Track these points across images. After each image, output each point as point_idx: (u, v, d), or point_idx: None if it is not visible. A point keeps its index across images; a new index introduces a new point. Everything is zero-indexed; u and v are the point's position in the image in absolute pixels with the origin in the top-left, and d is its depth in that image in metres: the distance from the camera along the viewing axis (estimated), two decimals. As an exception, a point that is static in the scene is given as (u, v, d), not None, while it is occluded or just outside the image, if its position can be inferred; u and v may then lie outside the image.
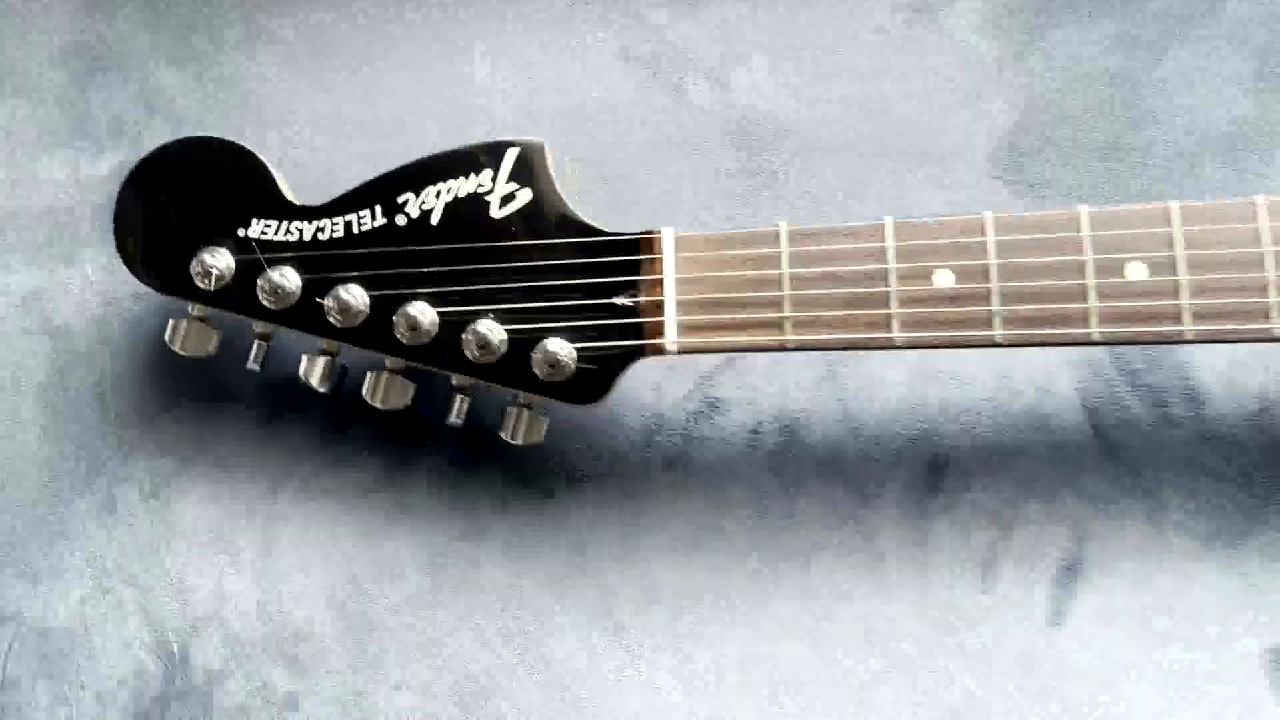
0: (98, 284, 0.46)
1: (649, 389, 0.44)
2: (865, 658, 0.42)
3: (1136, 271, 0.38)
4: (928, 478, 0.43)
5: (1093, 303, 0.38)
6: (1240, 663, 0.41)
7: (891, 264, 0.38)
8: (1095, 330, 0.38)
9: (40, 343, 0.45)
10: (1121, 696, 0.41)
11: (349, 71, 0.47)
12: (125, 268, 0.40)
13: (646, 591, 0.43)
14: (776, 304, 0.39)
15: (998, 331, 0.38)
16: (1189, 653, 0.41)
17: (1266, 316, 0.37)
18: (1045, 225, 0.38)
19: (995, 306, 0.38)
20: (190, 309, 0.41)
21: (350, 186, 0.40)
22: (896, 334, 0.38)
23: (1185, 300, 0.37)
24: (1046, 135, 0.45)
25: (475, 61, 0.47)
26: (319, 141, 0.46)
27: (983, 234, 0.38)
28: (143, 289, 0.41)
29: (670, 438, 0.44)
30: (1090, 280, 0.38)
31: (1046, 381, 0.43)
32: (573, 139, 0.45)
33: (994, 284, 0.38)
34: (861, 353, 0.44)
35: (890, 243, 0.39)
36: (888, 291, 0.38)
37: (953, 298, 0.38)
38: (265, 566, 0.43)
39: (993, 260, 0.38)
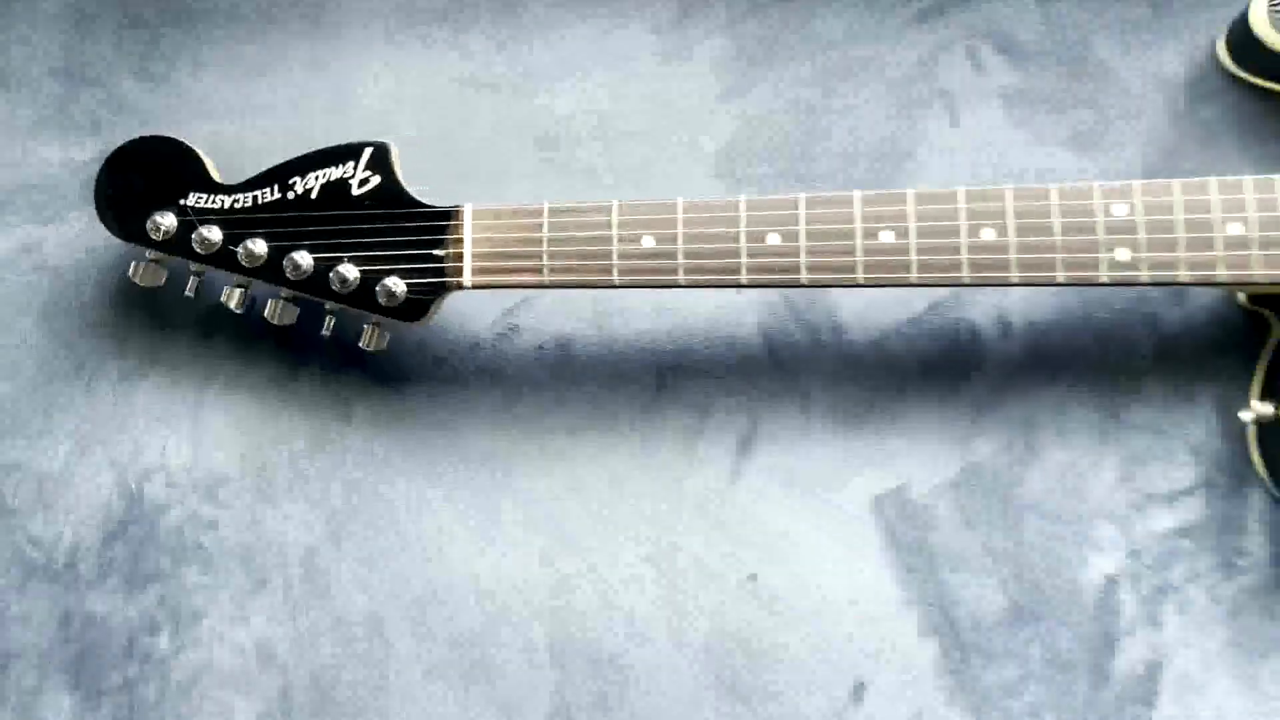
0: (81, 237, 0.64)
1: (468, 318, 0.63)
2: (612, 502, 0.61)
3: (773, 239, 0.57)
4: (657, 379, 0.62)
5: (743, 259, 0.57)
6: (857, 506, 0.60)
7: (614, 231, 0.57)
8: (744, 278, 0.57)
9: (40, 278, 0.64)
10: (777, 530, 0.60)
11: (267, 88, 0.66)
12: (102, 224, 0.59)
13: (462, 454, 0.62)
14: (538, 257, 0.57)
15: (680, 277, 0.57)
16: (822, 498, 0.60)
17: (854, 271, 0.57)
18: (715, 208, 0.57)
19: (679, 260, 0.57)
20: (146, 254, 0.60)
21: (258, 172, 0.59)
22: (615, 278, 0.57)
23: (803, 259, 0.57)
24: (752, 146, 0.64)
25: (352, 83, 0.66)
26: (242, 137, 0.65)
27: (675, 213, 0.57)
28: (113, 240, 0.59)
29: (481, 352, 0.63)
30: (742, 244, 0.57)
31: (738, 316, 0.62)
32: (413, 137, 0.64)
33: (680, 245, 0.57)
34: (620, 291, 0.63)
35: (615, 217, 0.57)
36: (610, 249, 0.57)
37: (654, 254, 0.57)
38: (197, 435, 0.62)
39: (680, 230, 0.57)
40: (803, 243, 0.57)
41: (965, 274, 0.57)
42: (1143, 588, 0.59)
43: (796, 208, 0.58)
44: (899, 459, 0.61)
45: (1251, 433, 0.59)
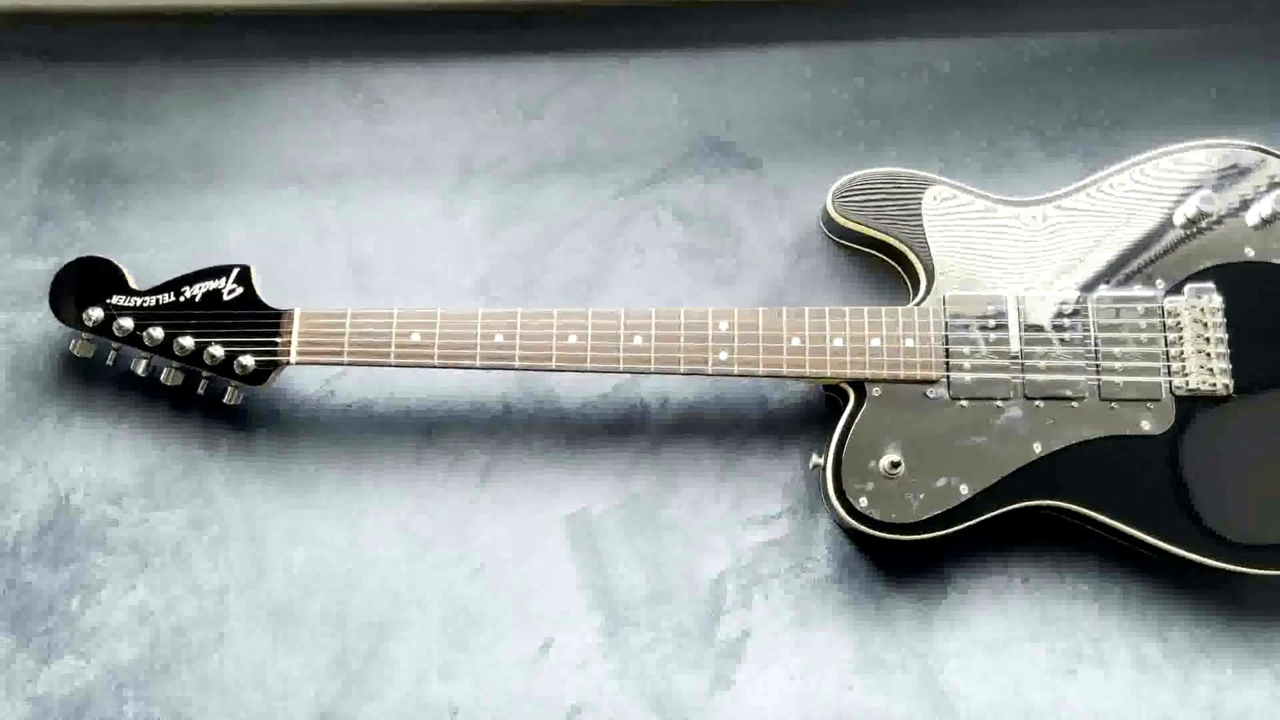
0: (41, 323, 0.93)
1: (300, 383, 0.92)
2: (387, 514, 0.89)
3: (499, 337, 0.86)
4: (425, 433, 0.90)
5: (478, 350, 0.86)
6: (555, 522, 0.88)
7: (393, 329, 0.86)
8: (478, 363, 0.86)
9: (11, 348, 0.92)
10: (500, 534, 0.88)
11: (169, 228, 0.95)
12: (53, 314, 0.88)
13: (287, 480, 0.90)
14: (341, 344, 0.86)
15: (435, 361, 0.86)
16: (533, 514, 0.88)
17: (550, 360, 0.86)
18: (462, 315, 0.87)
19: (435, 348, 0.86)
20: (82, 335, 0.88)
21: (162, 280, 0.87)
22: (391, 360, 0.86)
23: (518, 351, 0.86)
24: (502, 276, 0.94)
25: (228, 225, 0.95)
26: (151, 260, 0.94)
27: (435, 318, 0.86)
28: (61, 325, 0.88)
29: (308, 406, 0.91)
30: (478, 340, 0.86)
31: (485, 388, 0.91)
32: (266, 262, 0.93)
33: (436, 340, 0.86)
34: (395, 369, 0.91)
35: (395, 319, 0.87)
36: (389, 341, 0.86)
37: (419, 345, 0.86)
38: (108, 460, 0.90)
39: (438, 329, 0.86)
40: (518, 340, 0.86)
41: (621, 366, 0.86)
42: (740, 580, 0.87)
43: (516, 317, 0.87)
44: (585, 489, 0.89)
45: (816, 476, 0.88)
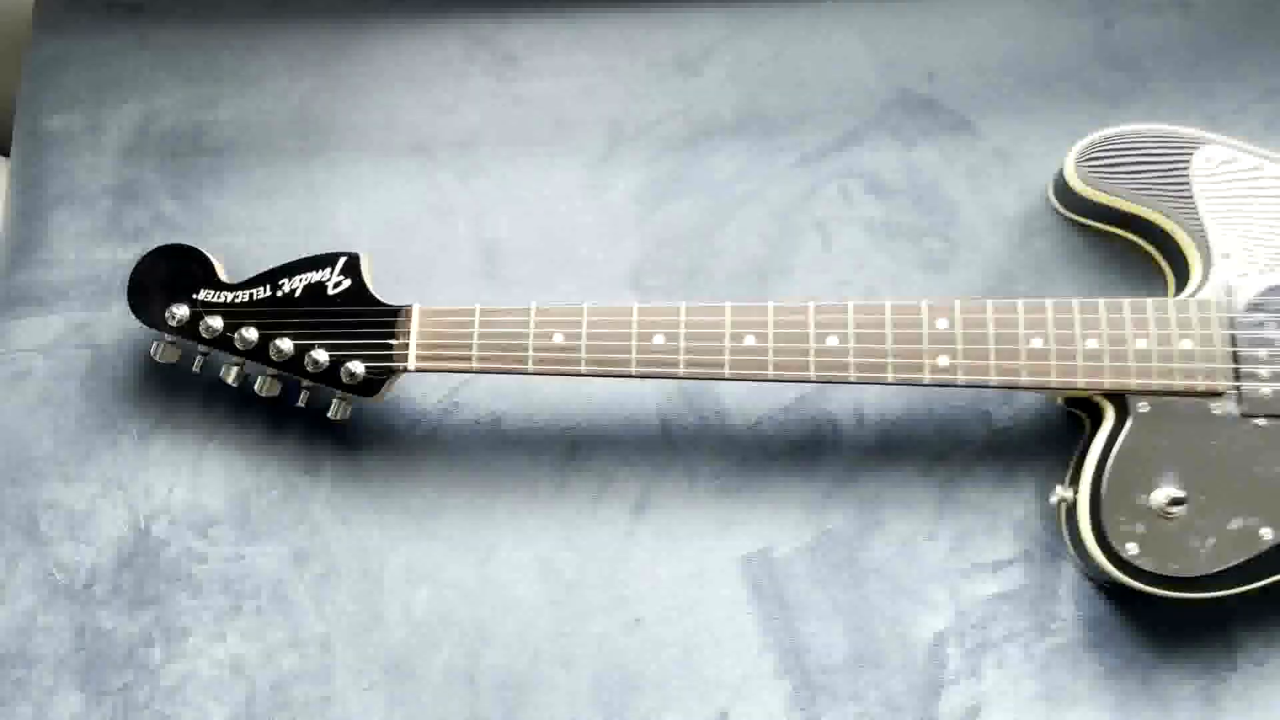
0: (119, 322, 0.80)
1: (418, 394, 0.77)
2: (526, 551, 0.73)
3: (658, 339, 0.70)
4: (568, 451, 0.75)
5: (633, 355, 0.70)
6: (729, 564, 0.72)
7: (531, 329, 0.71)
8: (634, 370, 0.70)
9: (86, 353, 0.79)
10: (661, 581, 0.72)
11: (267, 208, 0.81)
12: (132, 312, 0.74)
13: (405, 507, 0.75)
14: (469, 348, 0.71)
15: (583, 368, 0.70)
16: (701, 555, 0.72)
17: (722, 368, 0.69)
18: (613, 312, 0.71)
19: (582, 354, 0.70)
20: (165, 337, 0.75)
21: (256, 273, 0.74)
22: (530, 367, 0.70)
23: (682, 355, 0.69)
24: (658, 263, 0.78)
25: (335, 204, 0.81)
26: (247, 246, 0.80)
27: (581, 316, 0.71)
28: (140, 325, 0.74)
29: (428, 423, 0.76)
30: (633, 343, 0.70)
31: (640, 401, 0.75)
32: (381, 249, 0.79)
33: (583, 342, 0.70)
34: (535, 377, 0.76)
35: (532, 318, 0.71)
36: (527, 343, 0.71)
37: (562, 349, 0.71)
38: (195, 482, 0.76)
39: (584, 329, 0.70)
40: (681, 343, 0.70)
41: (812, 374, 0.69)
42: (966, 643, 0.69)
43: (679, 314, 0.71)
44: (765, 525, 0.72)
45: (1060, 513, 0.70)
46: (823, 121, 0.80)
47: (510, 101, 0.82)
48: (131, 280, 0.75)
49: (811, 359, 0.69)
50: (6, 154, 0.89)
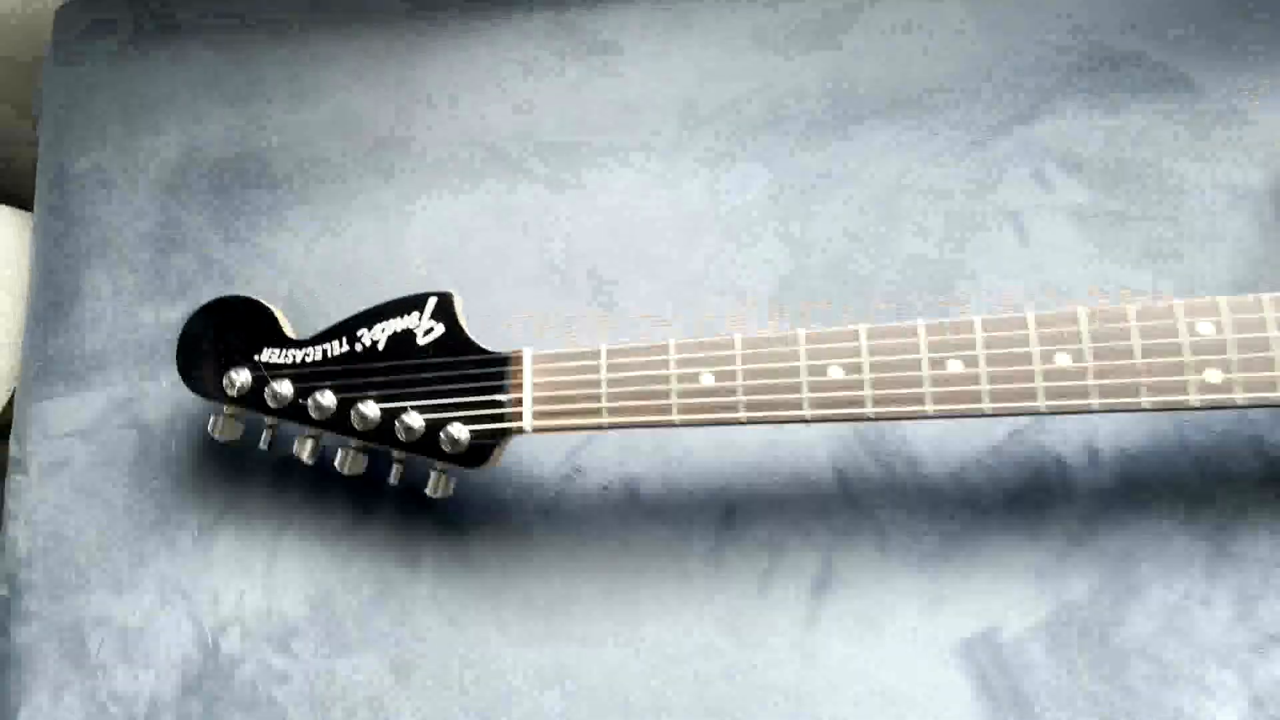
0: (169, 394, 0.67)
1: (532, 459, 0.63)
2: (679, 649, 0.59)
3: (836, 372, 0.56)
4: (724, 519, 0.60)
5: (805, 394, 0.55)
6: (943, 652, 0.57)
7: (672, 370, 0.57)
8: (808, 413, 0.55)
9: (131, 433, 0.67)
10: (857, 680, 0.57)
11: (336, 242, 0.68)
12: (183, 383, 0.61)
13: (527, 599, 0.61)
14: (597, 399, 0.57)
15: (741, 414, 0.56)
16: (906, 644, 0.57)
17: (922, 402, 0.54)
18: (773, 342, 0.56)
19: (739, 397, 0.56)
20: (224, 409, 0.62)
21: (329, 324, 0.60)
22: (675, 417, 0.56)
23: (868, 391, 0.55)
24: (808, 277, 0.63)
25: (409, 230, 0.68)
26: (314, 290, 0.67)
27: (733, 349, 0.57)
28: (194, 396, 0.62)
29: (546, 494, 0.62)
30: (804, 378, 0.55)
31: (807, 450, 0.60)
32: (467, 282, 0.65)
33: (739, 382, 0.56)
34: (680, 429, 0.62)
35: (672, 356, 0.57)
36: (669, 389, 0.57)
37: (713, 391, 0.56)
38: (271, 583, 0.63)
39: (739, 366, 0.56)
40: (867, 375, 0.55)
41: (1041, 402, 0.54)
42: (1271, 741, 0.53)
43: (858, 339, 0.56)
44: (986, 599, 0.57)
45: (1381, 564, 0.54)
46: (997, 91, 0.65)
47: (609, 97, 0.68)
48: (180, 343, 0.62)
49: (1039, 385, 0.54)
50: (25, 206, 0.77)
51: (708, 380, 0.57)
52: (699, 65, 0.69)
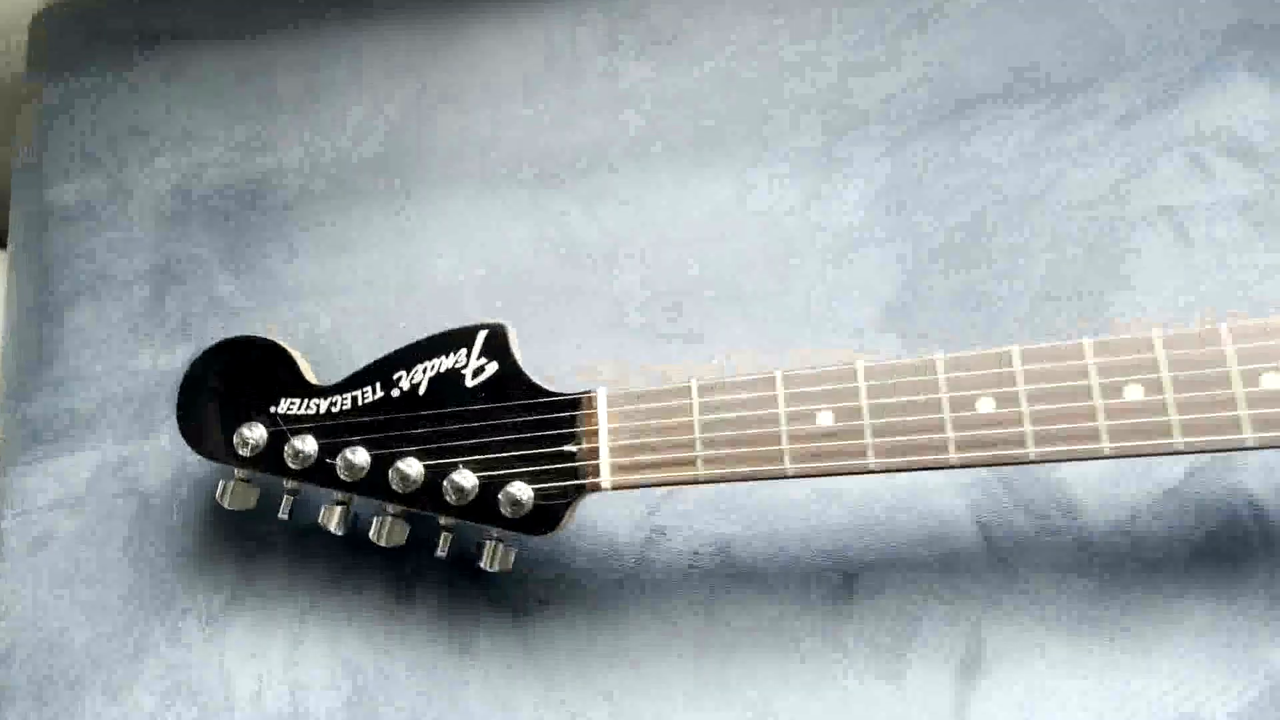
0: (171, 454, 0.57)
1: (606, 521, 0.53)
2: (798, 748, 0.48)
3: (985, 405, 0.45)
4: (842, 588, 0.50)
5: (949, 433, 0.45)
6: (1126, 744, 0.46)
7: (781, 409, 0.47)
8: (953, 456, 0.45)
9: (128, 502, 0.56)
10: (1021, 777, 0.46)
11: (361, 272, 0.59)
12: (186, 442, 0.51)
13: (604, 694, 0.50)
14: (689, 445, 0.47)
15: (870, 460, 0.45)
16: (1078, 736, 0.46)
17: (1096, 438, 0.44)
18: (905, 370, 0.46)
19: (868, 439, 0.46)
20: (236, 472, 0.52)
21: (358, 368, 0.50)
22: (788, 466, 0.46)
23: (1028, 427, 0.45)
24: (927, 291, 0.53)
25: (432, 257, 0.58)
26: (339, 329, 0.57)
27: (855, 380, 0.47)
28: (199, 458, 0.52)
29: (623, 562, 0.52)
30: (946, 414, 0.45)
31: (940, 499, 0.50)
32: (525, 315, 0.55)
33: (866, 420, 0.46)
34: (784, 481, 0.51)
35: (780, 390, 0.47)
36: (779, 431, 0.46)
37: (832, 434, 0.46)
38: (295, 678, 0.52)
39: (864, 401, 0.46)
40: (1025, 407, 0.45)
41: (1248, 434, 0.44)
42: None
43: (1011, 364, 0.46)
44: (1177, 677, 0.46)
45: None
46: (1142, 66, 0.55)
47: (670, 93, 0.58)
48: (182, 394, 0.52)
49: (1244, 413, 0.43)
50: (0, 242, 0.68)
51: (826, 420, 0.47)
52: (782, 51, 0.59)
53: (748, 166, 0.57)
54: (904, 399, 0.46)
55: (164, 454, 0.57)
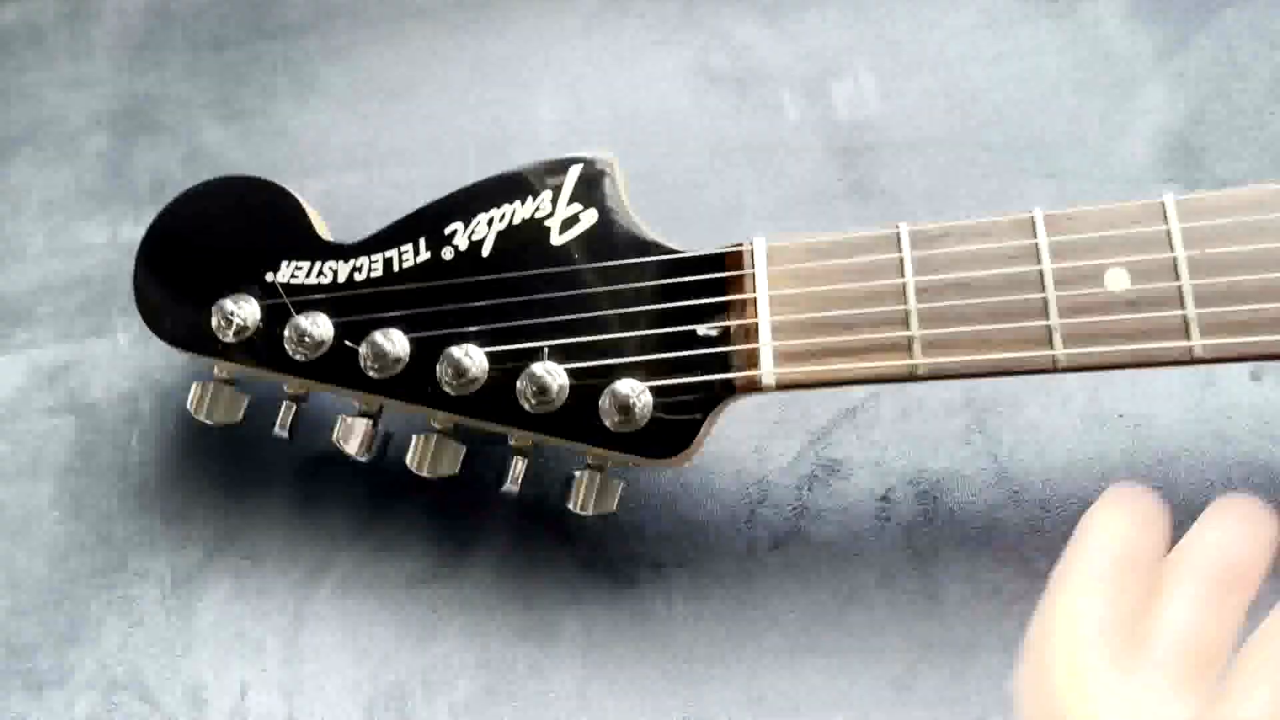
0: (129, 356, 0.41)
1: (750, 450, 0.36)
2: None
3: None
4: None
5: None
6: None
7: (1046, 264, 0.30)
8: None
9: (64, 422, 0.41)
10: None
11: (402, 121, 0.43)
12: (144, 322, 0.36)
13: (751, 703, 0.34)
14: (900, 321, 0.31)
15: (1196, 342, 0.29)
16: None
17: None
18: (1243, 205, 0.30)
19: (1189, 310, 0.29)
20: (215, 369, 0.36)
21: (387, 221, 0.35)
22: (1059, 351, 0.30)
23: None
24: (1210, 124, 0.37)
25: (535, 91, 0.42)
26: (370, 187, 0.42)
27: (1164, 221, 0.30)
28: (175, 358, 0.36)
29: (778, 510, 0.36)
30: None
31: (1266, 412, 0.34)
32: (644, 155, 0.40)
33: (1184, 282, 0.30)
34: (1015, 397, 0.35)
35: (1043, 239, 0.31)
36: (1044, 299, 0.30)
37: (1131, 302, 0.30)
38: (295, 675, 0.36)
39: (1179, 252, 0.30)
40: None
41: None
42: None
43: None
44: None
45: None
46: None
47: None
48: (142, 256, 0.36)
49: None
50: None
51: (1119, 281, 0.30)
52: None
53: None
54: (1242, 249, 0.30)
55: (119, 359, 0.41)
